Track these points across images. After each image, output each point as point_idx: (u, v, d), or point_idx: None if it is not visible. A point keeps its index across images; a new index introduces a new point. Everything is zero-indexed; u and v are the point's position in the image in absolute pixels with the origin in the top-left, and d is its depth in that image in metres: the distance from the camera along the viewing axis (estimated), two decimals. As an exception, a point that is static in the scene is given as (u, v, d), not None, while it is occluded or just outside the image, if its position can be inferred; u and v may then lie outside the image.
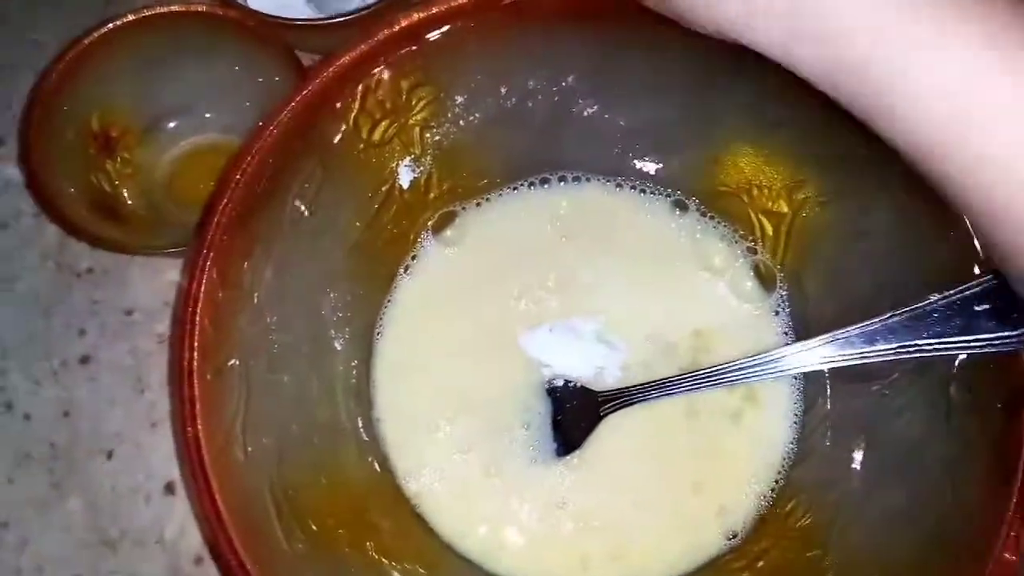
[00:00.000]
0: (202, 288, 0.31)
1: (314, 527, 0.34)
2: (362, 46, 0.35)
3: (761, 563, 0.38)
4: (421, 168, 0.41)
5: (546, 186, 0.44)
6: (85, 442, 0.43)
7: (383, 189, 0.40)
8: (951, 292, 0.32)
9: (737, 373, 0.36)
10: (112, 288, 0.45)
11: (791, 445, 0.41)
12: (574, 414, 0.40)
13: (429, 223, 0.43)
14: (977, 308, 0.31)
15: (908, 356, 0.33)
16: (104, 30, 0.43)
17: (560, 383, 0.41)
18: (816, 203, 0.40)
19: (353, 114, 0.37)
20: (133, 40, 0.43)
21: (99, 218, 0.42)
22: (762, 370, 0.36)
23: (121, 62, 0.44)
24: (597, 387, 0.41)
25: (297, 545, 0.33)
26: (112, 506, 0.42)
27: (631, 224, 0.44)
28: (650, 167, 0.44)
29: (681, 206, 0.44)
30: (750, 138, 0.41)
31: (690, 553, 0.39)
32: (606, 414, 0.39)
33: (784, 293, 0.42)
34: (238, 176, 0.32)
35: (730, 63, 0.37)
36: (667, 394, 0.38)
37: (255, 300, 0.34)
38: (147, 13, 0.43)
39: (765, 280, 0.43)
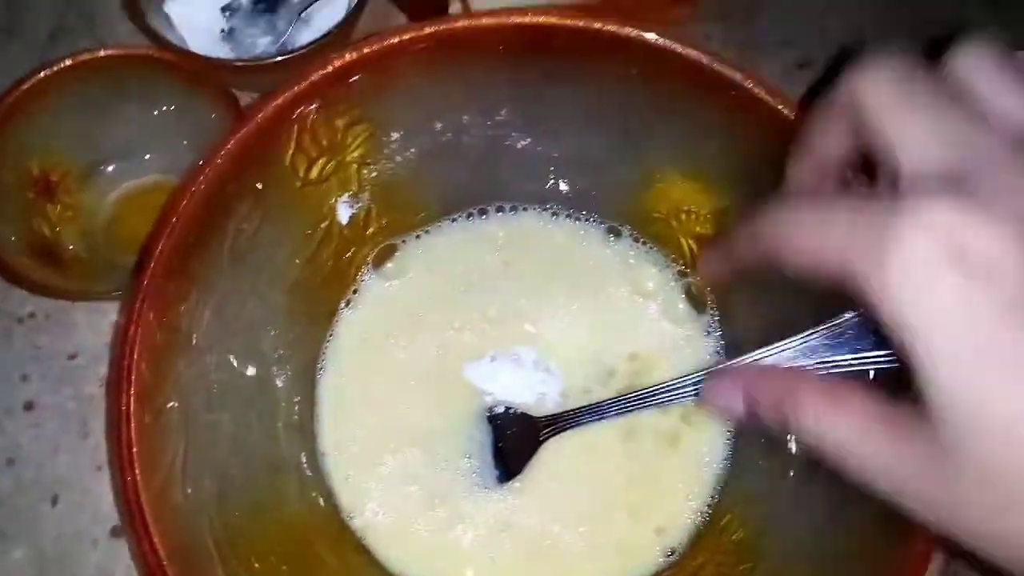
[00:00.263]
0: (139, 332, 0.31)
1: (256, 565, 0.34)
2: (296, 87, 0.36)
3: (698, 578, 0.39)
4: (359, 204, 0.42)
5: (484, 216, 0.45)
6: (29, 489, 0.43)
7: (322, 226, 0.41)
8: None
9: (666, 394, 0.37)
10: (55, 333, 0.45)
11: (725, 462, 0.42)
12: (514, 441, 0.41)
13: (369, 257, 0.43)
14: None
15: (827, 372, 0.34)
16: (42, 75, 0.43)
17: (500, 410, 0.42)
18: (743, 227, 0.42)
19: (289, 153, 0.38)
20: (72, 84, 0.44)
21: (40, 264, 0.42)
22: (692, 390, 0.37)
23: (60, 106, 0.44)
24: (538, 413, 0.42)
25: (239, 584, 0.33)
26: (58, 553, 0.42)
27: (567, 251, 0.45)
28: (584, 196, 0.45)
29: (615, 232, 0.45)
30: (678, 166, 0.42)
31: (630, 572, 0.39)
32: (545, 439, 0.40)
33: (715, 314, 0.44)
34: (174, 219, 0.33)
35: (658, 98, 0.39)
36: (601, 417, 0.39)
37: (193, 341, 0.35)
38: (85, 57, 0.44)
39: (697, 302, 0.44)
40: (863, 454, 0.24)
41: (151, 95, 0.45)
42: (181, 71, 0.43)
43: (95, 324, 0.45)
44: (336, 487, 0.40)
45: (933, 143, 0.22)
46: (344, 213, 0.42)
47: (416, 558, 0.39)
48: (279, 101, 0.36)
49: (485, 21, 0.38)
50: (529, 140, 0.44)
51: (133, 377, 0.31)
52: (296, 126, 0.37)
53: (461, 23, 0.38)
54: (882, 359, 0.33)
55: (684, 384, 0.37)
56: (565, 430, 0.40)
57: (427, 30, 0.37)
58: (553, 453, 0.41)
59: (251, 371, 0.38)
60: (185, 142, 0.45)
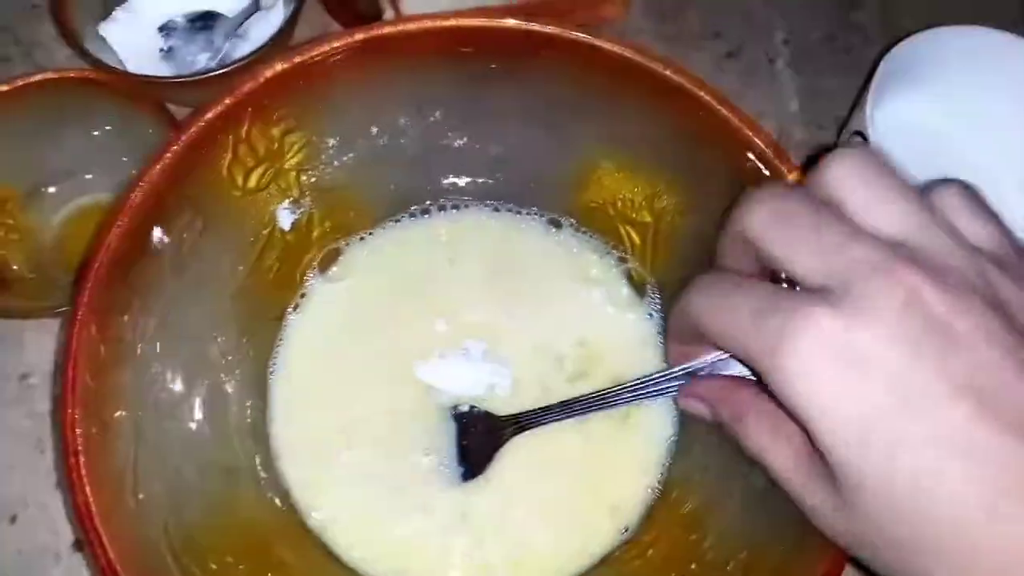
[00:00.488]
0: (81, 344, 0.32)
1: (213, 566, 0.35)
2: (228, 98, 0.37)
3: (651, 551, 0.40)
4: (301, 210, 0.43)
5: (427, 216, 0.46)
6: (-13, 509, 0.43)
7: (264, 233, 0.42)
8: None
9: (627, 395, 0.38)
10: (6, 354, 0.46)
11: (674, 438, 0.43)
12: (478, 439, 0.42)
13: (315, 262, 0.44)
14: None
15: None
16: (-22, 102, 0.44)
17: (465, 408, 0.42)
18: (675, 212, 0.43)
19: (226, 163, 0.39)
20: (9, 109, 0.44)
21: (-17, 286, 0.42)
22: (654, 390, 0.38)
23: (-1, 131, 0.44)
24: (491, 403, 0.43)
25: (196, 585, 0.33)
26: (20, 570, 0.42)
27: (511, 245, 0.46)
28: (523, 191, 0.46)
29: (556, 224, 0.47)
30: (611, 157, 0.44)
31: (586, 551, 0.40)
32: (508, 438, 0.41)
33: (656, 297, 0.45)
34: (110, 233, 0.34)
35: (588, 93, 0.41)
36: (566, 416, 0.40)
37: (139, 352, 0.35)
38: (21, 83, 0.44)
39: (638, 287, 0.46)
40: (792, 482, 0.29)
41: (89, 116, 0.45)
42: (117, 90, 0.44)
43: (46, 344, 0.46)
44: (292, 488, 0.40)
45: (814, 259, 0.27)
46: (286, 219, 0.43)
47: (376, 553, 0.40)
48: (211, 114, 0.37)
49: (414, 26, 0.38)
50: (466, 139, 0.45)
51: (77, 388, 0.31)
52: (231, 136, 0.38)
53: (389, 28, 0.38)
54: None
55: (647, 384, 0.38)
56: (528, 429, 0.41)
57: (357, 36, 0.38)
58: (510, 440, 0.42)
59: (200, 378, 0.39)
60: (125, 159, 0.45)
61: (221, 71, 0.45)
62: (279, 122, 0.40)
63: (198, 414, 0.38)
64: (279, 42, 0.48)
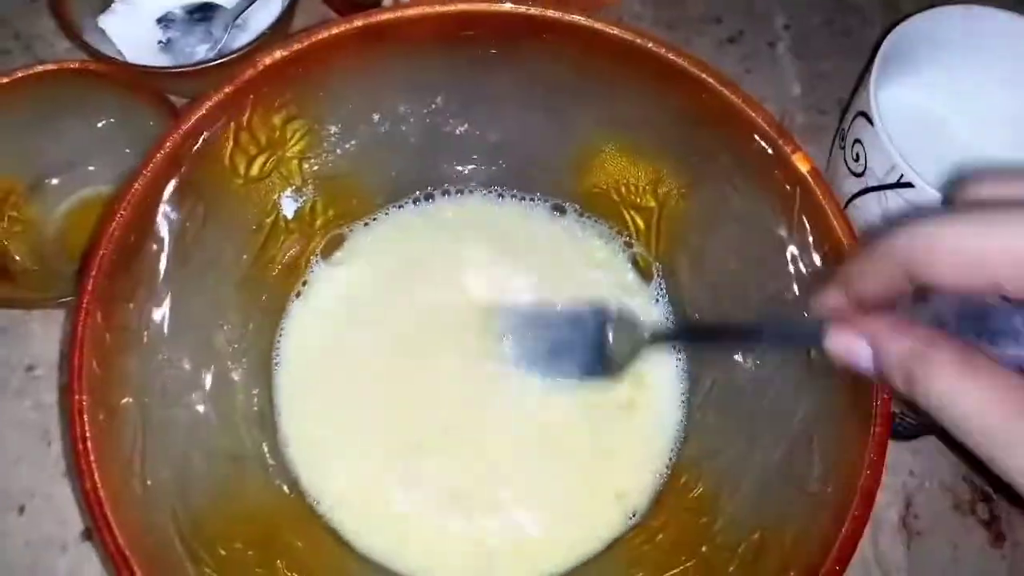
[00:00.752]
0: (86, 332, 0.32)
1: (222, 552, 0.35)
2: (228, 87, 0.37)
3: (660, 536, 0.40)
4: (304, 197, 0.43)
5: (429, 201, 0.46)
6: (-5, 501, 0.43)
7: (267, 221, 0.42)
8: None
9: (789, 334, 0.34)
10: (11, 346, 0.46)
11: (681, 423, 0.43)
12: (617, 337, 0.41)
13: (318, 249, 0.44)
14: None
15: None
16: (-22, 95, 0.44)
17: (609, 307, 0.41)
18: (678, 195, 0.43)
19: (228, 151, 0.39)
20: (10, 101, 0.44)
21: (-13, 279, 0.42)
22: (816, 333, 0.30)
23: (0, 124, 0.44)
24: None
25: (206, 571, 0.33)
26: (28, 560, 0.42)
27: (516, 231, 0.46)
28: (526, 176, 0.46)
29: (559, 210, 0.47)
30: (613, 142, 0.44)
31: (593, 536, 0.40)
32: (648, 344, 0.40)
33: (661, 281, 0.45)
34: (113, 222, 0.34)
35: (588, 77, 0.41)
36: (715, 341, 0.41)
37: (144, 339, 0.35)
38: (21, 75, 0.44)
39: (643, 271, 0.46)
40: (990, 427, 0.23)
41: (90, 107, 0.45)
42: (117, 81, 0.44)
43: (51, 334, 0.46)
44: (299, 474, 0.41)
45: None
46: (289, 207, 0.43)
47: (383, 537, 0.40)
48: (212, 102, 0.37)
49: (412, 12, 0.38)
50: (467, 125, 0.45)
51: (84, 375, 0.31)
52: (232, 125, 0.38)
53: (388, 15, 0.38)
54: None
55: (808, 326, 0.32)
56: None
57: (355, 23, 0.38)
58: (516, 425, 0.42)
59: (206, 366, 0.39)
60: (127, 151, 0.45)
61: (220, 61, 0.45)
62: (280, 110, 0.40)
63: (205, 401, 0.38)
64: (278, 32, 0.48)
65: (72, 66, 0.44)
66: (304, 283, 0.44)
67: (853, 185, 0.46)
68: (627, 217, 0.46)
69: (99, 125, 0.46)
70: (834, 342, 0.28)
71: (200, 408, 0.38)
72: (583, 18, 0.38)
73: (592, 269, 0.46)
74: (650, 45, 0.38)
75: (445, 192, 0.47)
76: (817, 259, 0.36)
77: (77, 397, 0.31)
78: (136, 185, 0.35)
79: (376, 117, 0.43)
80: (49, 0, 0.49)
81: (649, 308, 0.45)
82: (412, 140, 0.44)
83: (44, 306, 0.43)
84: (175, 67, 0.48)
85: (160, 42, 0.52)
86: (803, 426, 0.37)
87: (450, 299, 0.44)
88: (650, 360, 0.43)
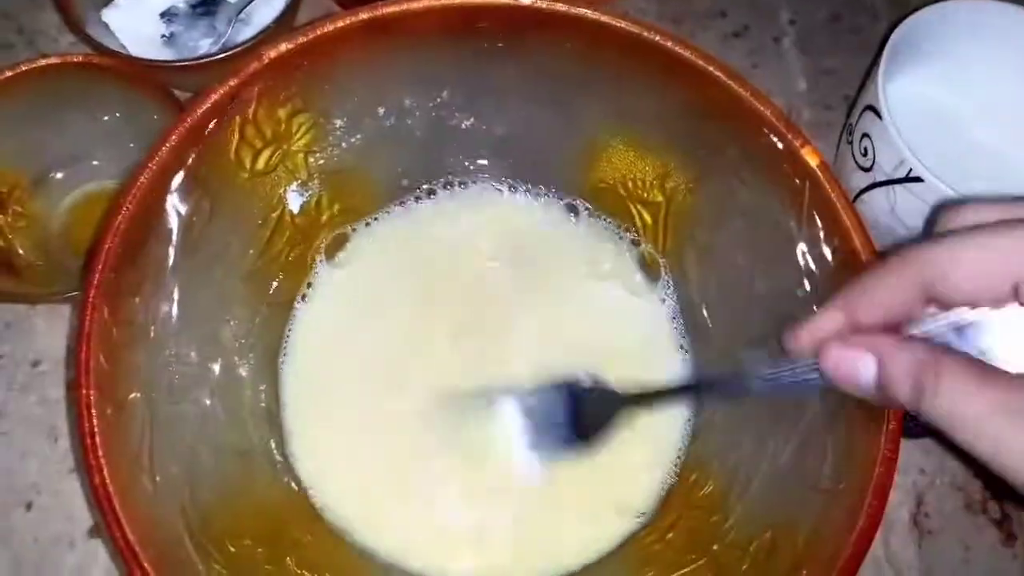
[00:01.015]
0: (93, 326, 0.32)
1: (232, 548, 0.35)
2: (232, 80, 0.37)
3: (671, 535, 0.40)
4: (309, 192, 0.43)
5: (432, 197, 0.46)
6: (2, 497, 0.43)
7: (273, 216, 0.42)
8: None
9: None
10: (17, 341, 0.46)
11: (688, 422, 0.43)
12: (593, 410, 0.39)
13: (323, 244, 0.44)
14: None
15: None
16: (-18, 89, 0.43)
17: (581, 381, 0.40)
18: (685, 190, 0.43)
19: (234, 145, 0.38)
20: (14, 95, 0.44)
21: (-8, 274, 0.42)
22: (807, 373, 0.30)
23: (3, 117, 0.44)
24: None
25: (215, 567, 0.33)
26: (36, 557, 0.42)
27: (521, 227, 0.46)
28: (532, 171, 0.46)
29: (572, 210, 0.46)
30: (618, 132, 0.43)
31: (602, 537, 0.40)
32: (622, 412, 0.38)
33: (669, 280, 0.45)
34: (118, 216, 0.33)
35: (594, 70, 0.40)
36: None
37: (151, 334, 0.35)
38: (24, 68, 0.44)
39: (651, 269, 0.45)
40: (1000, 435, 0.23)
41: (94, 101, 0.45)
42: (121, 75, 0.44)
43: (57, 329, 0.46)
44: (306, 470, 0.40)
45: None
46: (295, 202, 0.42)
47: (388, 536, 0.40)
48: (217, 95, 0.36)
49: (418, 5, 0.38)
50: (473, 119, 0.44)
51: (91, 370, 0.31)
52: (238, 118, 0.38)
53: (393, 8, 0.38)
54: None
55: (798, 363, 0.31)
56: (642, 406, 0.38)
57: (361, 16, 0.38)
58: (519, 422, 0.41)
59: (213, 361, 0.39)
60: (132, 145, 0.45)
61: (225, 55, 0.45)
62: (285, 103, 0.39)
63: (212, 397, 0.38)
64: (282, 26, 0.48)
65: (76, 60, 0.44)
66: (310, 278, 0.44)
67: (861, 180, 0.46)
68: (634, 212, 0.46)
69: (103, 119, 0.46)
70: (833, 360, 0.28)
71: (208, 403, 0.38)
72: (590, 11, 0.38)
73: (599, 268, 0.46)
74: (657, 38, 0.37)
75: (447, 184, 0.46)
76: (827, 253, 0.36)
77: (85, 392, 0.31)
78: (142, 179, 0.35)
79: (382, 111, 0.43)
80: (52, -6, 0.49)
81: (656, 308, 0.45)
82: (418, 134, 0.44)
83: (49, 301, 0.43)
84: (179, 61, 0.48)
85: (163, 36, 0.52)
86: (814, 423, 0.37)
87: (457, 296, 0.44)
88: (654, 357, 0.43)
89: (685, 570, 0.37)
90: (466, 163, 0.46)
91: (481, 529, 0.40)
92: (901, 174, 0.42)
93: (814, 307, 0.37)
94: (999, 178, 0.48)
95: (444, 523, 0.40)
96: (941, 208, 0.28)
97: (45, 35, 0.55)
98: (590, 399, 0.40)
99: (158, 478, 0.33)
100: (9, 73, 0.43)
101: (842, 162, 0.48)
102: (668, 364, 0.44)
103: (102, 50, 0.46)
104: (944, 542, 0.46)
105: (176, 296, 0.37)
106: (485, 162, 0.46)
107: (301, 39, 0.37)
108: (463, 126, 0.44)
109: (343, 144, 0.43)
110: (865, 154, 0.45)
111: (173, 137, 0.35)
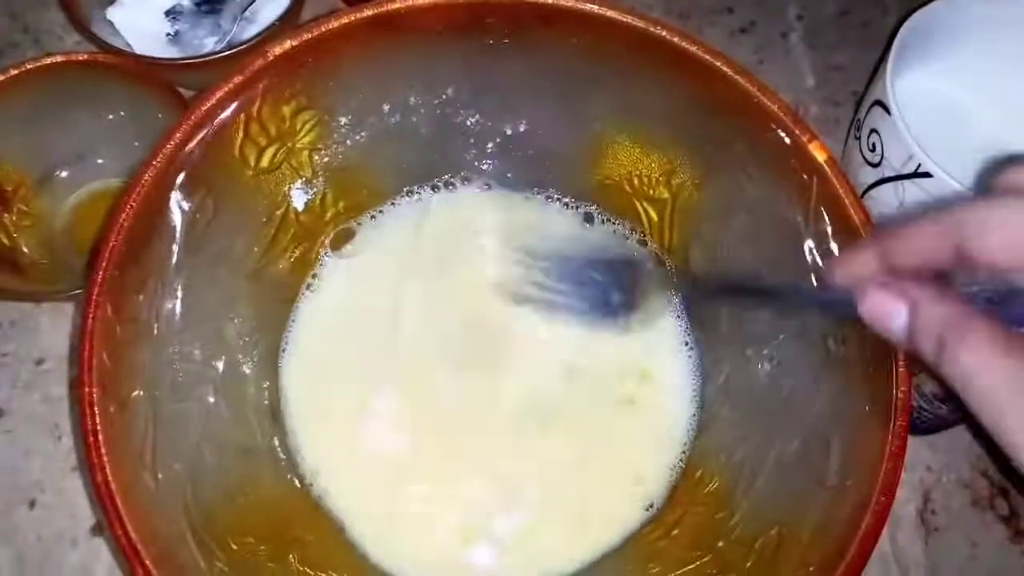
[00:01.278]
0: (96, 324, 0.32)
1: (234, 546, 0.34)
2: (237, 77, 0.37)
3: (676, 531, 0.40)
4: (314, 189, 0.43)
5: (440, 192, 0.46)
6: (6, 494, 0.43)
7: (278, 213, 0.42)
8: None
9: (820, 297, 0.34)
10: (21, 339, 0.46)
11: (693, 417, 0.43)
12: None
13: (327, 241, 0.44)
14: None
15: None
16: (-11, 87, 0.43)
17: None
18: (692, 186, 0.43)
19: (238, 143, 0.38)
20: (19, 94, 0.44)
21: (-2, 272, 0.42)
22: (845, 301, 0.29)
23: (8, 117, 0.44)
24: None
25: (217, 564, 0.33)
26: (39, 555, 0.42)
27: (525, 220, 0.46)
28: (537, 167, 0.46)
29: (578, 207, 0.46)
30: (624, 128, 0.43)
31: (610, 530, 0.40)
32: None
33: (672, 269, 0.45)
34: (122, 214, 0.33)
35: (600, 65, 0.40)
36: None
37: (155, 331, 0.35)
38: (30, 66, 0.44)
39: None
40: (1007, 403, 0.23)
41: (98, 99, 0.45)
42: (126, 73, 0.44)
43: (60, 328, 0.45)
44: (310, 468, 0.40)
45: None
46: (299, 199, 0.42)
47: (391, 536, 0.40)
48: (221, 92, 0.36)
49: (423, 1, 0.38)
50: (478, 116, 0.44)
51: (94, 367, 0.31)
52: (242, 115, 0.38)
53: (398, 4, 0.38)
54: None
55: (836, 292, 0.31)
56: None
57: (365, 13, 0.38)
58: (527, 420, 0.41)
59: (217, 358, 0.39)
60: (137, 143, 0.45)
61: (230, 52, 0.45)
62: (290, 100, 0.39)
63: (216, 394, 0.38)
64: (286, 23, 0.48)
65: (81, 58, 0.44)
66: (314, 276, 0.44)
67: (869, 175, 0.45)
68: (640, 209, 0.45)
69: (108, 117, 0.46)
70: (871, 301, 0.28)
71: (211, 401, 0.38)
72: (596, 6, 0.37)
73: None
74: (664, 33, 0.37)
75: (455, 183, 0.46)
76: (835, 249, 0.36)
77: (87, 390, 0.31)
78: (146, 176, 0.34)
79: (386, 108, 0.42)
80: (57, -7, 0.49)
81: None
82: (423, 131, 0.44)
83: (53, 299, 0.43)
84: (184, 59, 0.48)
85: (168, 34, 0.52)
86: (820, 419, 0.36)
87: (460, 292, 0.44)
88: (659, 352, 0.43)
89: (690, 566, 0.37)
90: (471, 159, 0.46)
91: (485, 526, 0.40)
92: (910, 169, 0.42)
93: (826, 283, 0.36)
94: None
95: (449, 520, 0.40)
96: (995, 167, 0.27)
97: (50, 34, 0.55)
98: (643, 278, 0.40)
99: (160, 476, 0.33)
100: (14, 72, 0.43)
101: (850, 158, 0.48)
102: (674, 360, 0.44)
103: (107, 48, 0.46)
104: (951, 539, 0.45)
105: (180, 294, 0.36)
106: (490, 158, 0.46)
107: (306, 36, 0.37)
108: (468, 123, 0.44)
109: (348, 141, 0.42)
110: (873, 150, 0.44)
111: (177, 135, 0.35)
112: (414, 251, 0.44)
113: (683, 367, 0.44)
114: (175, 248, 0.36)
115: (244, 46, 0.46)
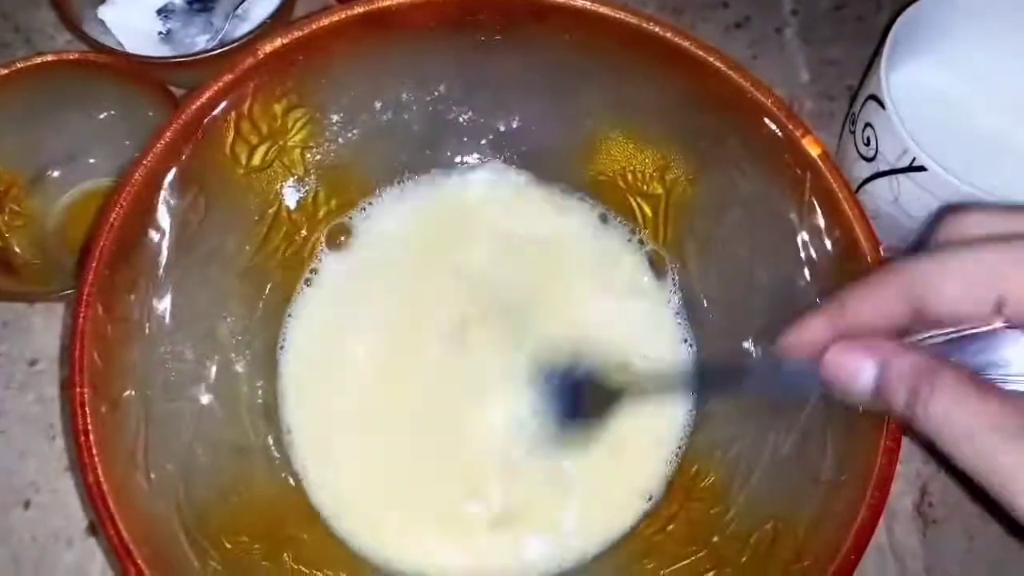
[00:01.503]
0: (87, 323, 0.32)
1: (228, 545, 0.34)
2: (228, 76, 0.37)
3: (671, 526, 0.40)
4: (306, 187, 0.43)
5: (434, 189, 0.46)
6: (0, 495, 0.43)
7: (270, 211, 0.41)
8: None
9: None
10: (14, 340, 0.46)
11: (690, 413, 0.42)
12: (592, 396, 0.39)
13: (321, 238, 0.44)
14: None
15: None
16: (-22, 87, 0.43)
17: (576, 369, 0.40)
18: (685, 182, 0.43)
19: (229, 141, 0.38)
20: (10, 93, 0.44)
21: (-11, 273, 0.42)
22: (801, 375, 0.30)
23: (0, 117, 0.44)
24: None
25: (211, 564, 0.33)
26: (34, 555, 0.42)
27: (520, 214, 0.45)
28: (531, 164, 0.46)
29: (602, 219, 0.45)
30: (618, 124, 0.43)
31: (605, 525, 0.40)
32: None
33: (675, 277, 0.44)
34: (113, 213, 0.33)
35: (592, 61, 0.40)
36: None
37: (147, 331, 0.35)
38: (20, 66, 0.43)
39: (657, 267, 0.45)
40: (988, 450, 0.23)
41: (90, 99, 0.45)
42: (117, 72, 0.43)
43: (54, 328, 0.45)
44: (304, 466, 0.40)
45: None
46: (291, 197, 0.42)
47: (385, 536, 0.40)
48: (212, 90, 0.36)
49: (413, -2, 0.38)
50: (470, 113, 0.44)
51: (85, 367, 0.31)
52: (233, 114, 0.38)
53: (389, 2, 0.38)
54: None
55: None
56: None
57: (355, 10, 0.38)
58: (524, 417, 0.41)
59: (209, 358, 0.39)
60: (128, 143, 0.45)
61: (221, 50, 0.45)
62: (281, 98, 0.39)
63: (209, 394, 0.38)
64: (278, 21, 0.48)
65: (72, 57, 0.44)
66: (307, 274, 0.43)
67: (864, 170, 0.45)
68: (633, 205, 0.45)
69: (99, 117, 0.46)
70: (835, 361, 0.27)
71: (204, 400, 0.38)
72: (589, 2, 0.37)
73: (604, 259, 0.45)
74: (657, 29, 0.37)
75: (449, 180, 0.46)
76: (828, 244, 0.36)
77: (78, 390, 0.31)
78: (136, 175, 0.34)
79: (378, 105, 0.42)
80: (49, -8, 0.48)
81: (663, 309, 0.44)
82: (415, 128, 0.44)
83: (46, 299, 0.43)
84: (175, 57, 0.47)
85: (160, 33, 0.52)
86: (815, 414, 0.36)
87: (455, 289, 0.44)
88: (659, 351, 0.43)
89: (685, 562, 0.37)
90: (464, 156, 0.46)
91: (480, 523, 0.40)
92: (904, 163, 0.42)
93: (815, 297, 0.36)
94: (1004, 167, 0.47)
95: (444, 519, 0.40)
96: (945, 212, 0.27)
97: (41, 33, 0.55)
98: (589, 387, 0.39)
99: (153, 476, 0.33)
100: (5, 71, 0.43)
101: (845, 152, 0.48)
102: (673, 358, 0.43)
103: (98, 47, 0.46)
104: (948, 531, 0.45)
105: (171, 293, 0.36)
106: (483, 156, 0.46)
107: (296, 34, 0.37)
108: (461, 120, 0.44)
109: (340, 139, 0.42)
110: (868, 144, 0.44)
111: (167, 134, 0.35)
112: (408, 249, 0.44)
113: (682, 365, 0.43)
114: (166, 247, 0.36)
115: (236, 44, 0.45)
